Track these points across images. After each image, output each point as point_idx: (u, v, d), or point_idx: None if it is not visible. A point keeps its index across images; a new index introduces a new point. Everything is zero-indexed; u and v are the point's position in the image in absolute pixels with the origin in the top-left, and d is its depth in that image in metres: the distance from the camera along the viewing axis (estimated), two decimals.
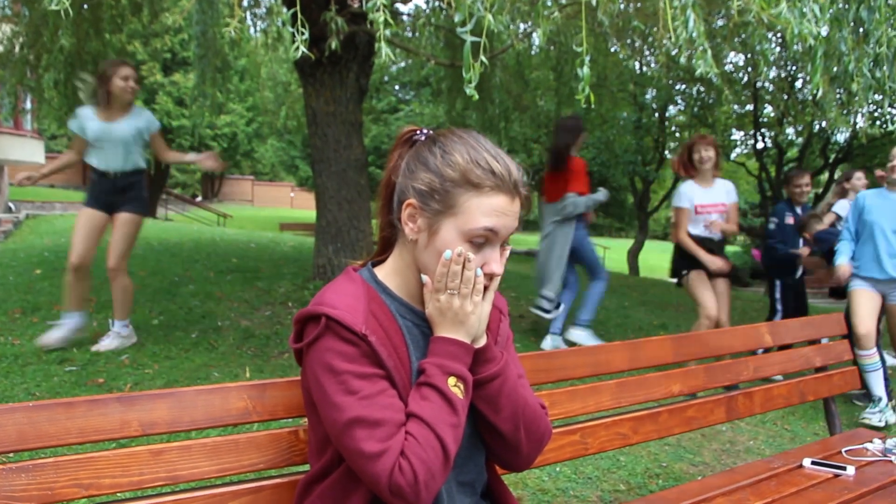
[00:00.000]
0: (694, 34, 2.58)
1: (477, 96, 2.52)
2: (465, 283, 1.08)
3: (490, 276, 1.12)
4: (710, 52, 2.69)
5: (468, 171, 1.07)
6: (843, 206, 5.28)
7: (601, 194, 4.93)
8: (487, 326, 1.29)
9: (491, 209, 1.07)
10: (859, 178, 5.43)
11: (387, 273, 1.18)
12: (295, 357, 1.14)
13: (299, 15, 2.63)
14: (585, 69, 2.65)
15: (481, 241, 1.09)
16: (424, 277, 1.12)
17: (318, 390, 1.06)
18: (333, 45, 3.64)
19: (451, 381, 1.07)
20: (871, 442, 2.25)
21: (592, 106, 2.82)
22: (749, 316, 7.83)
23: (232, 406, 1.23)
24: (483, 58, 2.53)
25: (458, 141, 1.11)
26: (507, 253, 1.14)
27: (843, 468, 1.99)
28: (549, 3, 2.94)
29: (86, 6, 5.89)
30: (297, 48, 2.66)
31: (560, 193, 4.78)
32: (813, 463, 2.06)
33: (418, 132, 1.16)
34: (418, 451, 1.01)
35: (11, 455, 1.17)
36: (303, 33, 2.63)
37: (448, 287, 1.09)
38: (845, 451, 2.17)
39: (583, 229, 4.92)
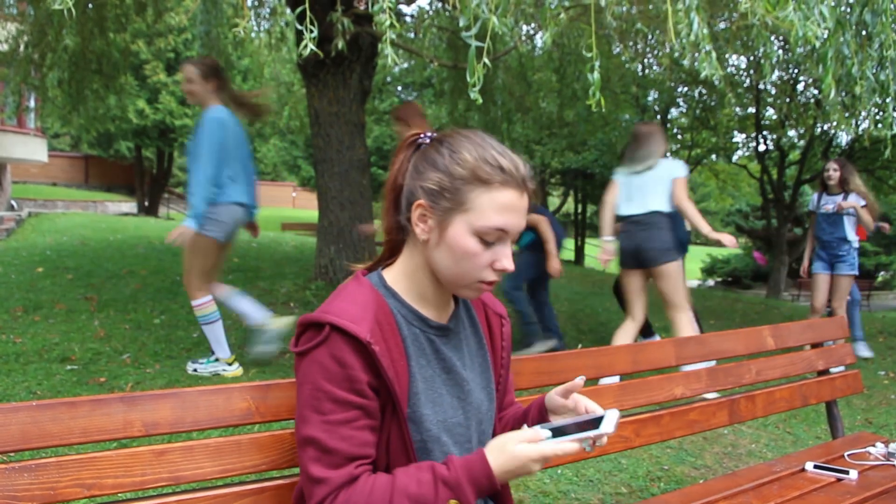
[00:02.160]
0: (698, 36, 2.58)
1: (481, 100, 2.52)
2: (539, 452, 1.03)
3: (500, 272, 1.12)
4: (714, 54, 2.69)
5: (477, 168, 1.07)
6: (812, 201, 5.54)
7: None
8: (490, 330, 1.29)
9: (501, 205, 1.07)
10: (828, 167, 5.40)
11: (396, 276, 1.17)
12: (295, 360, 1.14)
13: (308, 13, 2.62)
14: (596, 74, 2.66)
15: (492, 239, 1.09)
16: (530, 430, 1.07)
17: (297, 395, 1.07)
18: (340, 46, 3.64)
19: (453, 503, 1.02)
20: (873, 446, 2.24)
21: (601, 108, 2.82)
22: (750, 318, 7.83)
23: (235, 407, 1.23)
24: (486, 60, 2.53)
25: (464, 139, 1.11)
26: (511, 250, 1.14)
27: (846, 472, 1.99)
28: (553, 6, 2.94)
29: (90, 5, 5.90)
30: (306, 46, 2.65)
31: None
32: (815, 467, 2.05)
33: (423, 135, 1.16)
34: (364, 501, 1.00)
35: (14, 454, 1.17)
36: (312, 31, 2.62)
37: (534, 435, 1.04)
38: (848, 455, 2.17)
39: None
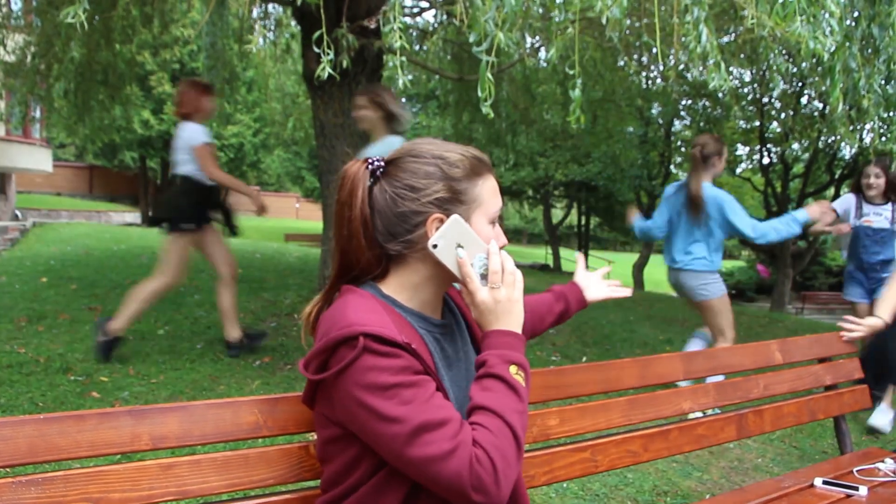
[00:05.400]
0: (706, 49, 2.58)
1: (492, 114, 2.54)
2: (508, 274, 1.14)
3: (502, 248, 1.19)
4: (723, 65, 2.70)
5: (468, 163, 1.14)
6: (842, 201, 4.37)
7: None
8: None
9: (494, 190, 1.18)
10: (868, 173, 4.20)
11: (395, 289, 1.16)
12: (308, 388, 1.10)
13: (325, 37, 2.66)
14: (577, 91, 2.71)
15: (496, 221, 1.18)
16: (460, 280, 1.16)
17: (364, 413, 1.01)
18: (345, 64, 3.67)
19: (513, 369, 1.08)
20: (882, 462, 2.22)
21: (585, 123, 2.86)
22: (755, 332, 7.79)
23: (243, 420, 1.22)
24: (489, 75, 2.55)
25: (430, 146, 1.16)
26: None
27: (856, 488, 1.97)
28: (559, 20, 2.96)
29: (97, 17, 5.93)
30: (324, 69, 2.73)
31: None
32: (824, 482, 2.03)
33: (370, 162, 1.15)
34: (492, 440, 1.00)
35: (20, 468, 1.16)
36: (328, 54, 2.67)
37: (492, 281, 1.13)
38: (857, 471, 2.15)
39: None
